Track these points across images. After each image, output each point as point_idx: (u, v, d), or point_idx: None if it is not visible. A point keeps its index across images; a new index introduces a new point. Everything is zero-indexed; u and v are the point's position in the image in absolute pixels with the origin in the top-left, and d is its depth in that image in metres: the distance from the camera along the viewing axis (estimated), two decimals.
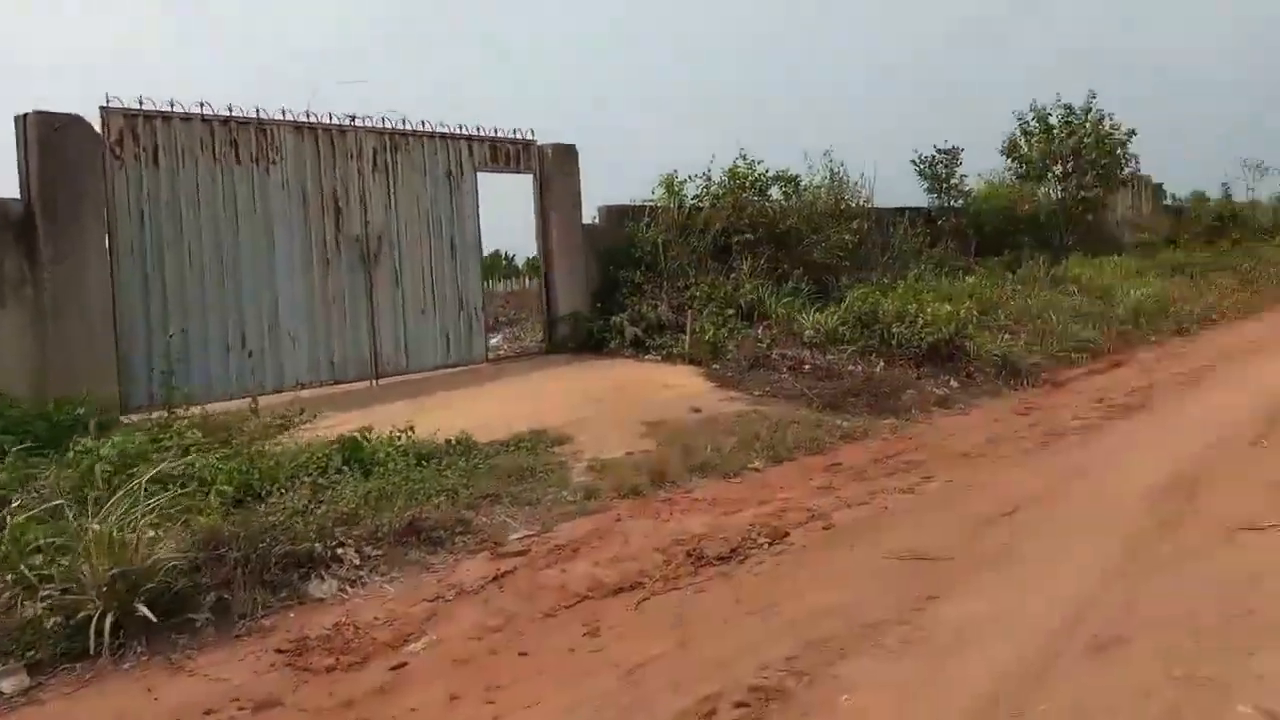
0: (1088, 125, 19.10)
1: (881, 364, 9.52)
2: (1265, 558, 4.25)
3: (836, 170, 14.28)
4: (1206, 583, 3.99)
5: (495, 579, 4.56)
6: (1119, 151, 19.25)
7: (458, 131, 10.48)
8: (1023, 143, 19.61)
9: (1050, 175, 19.65)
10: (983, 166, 20.56)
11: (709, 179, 12.55)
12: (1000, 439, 7.36)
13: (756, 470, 6.68)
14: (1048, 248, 18.72)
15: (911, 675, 3.26)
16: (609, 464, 6.51)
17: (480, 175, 10.86)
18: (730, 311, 10.92)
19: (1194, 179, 48.73)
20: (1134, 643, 3.39)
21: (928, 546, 4.72)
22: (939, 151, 17.11)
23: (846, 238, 13.02)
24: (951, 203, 17.25)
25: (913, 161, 17.27)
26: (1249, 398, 8.41)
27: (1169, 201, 29.86)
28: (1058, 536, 4.82)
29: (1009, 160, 19.87)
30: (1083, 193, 19.03)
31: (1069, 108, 19.19)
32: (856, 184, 14.32)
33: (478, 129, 10.71)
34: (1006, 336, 11.18)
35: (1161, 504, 5.25)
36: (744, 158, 12.55)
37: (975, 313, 11.52)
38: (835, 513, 5.50)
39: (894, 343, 9.91)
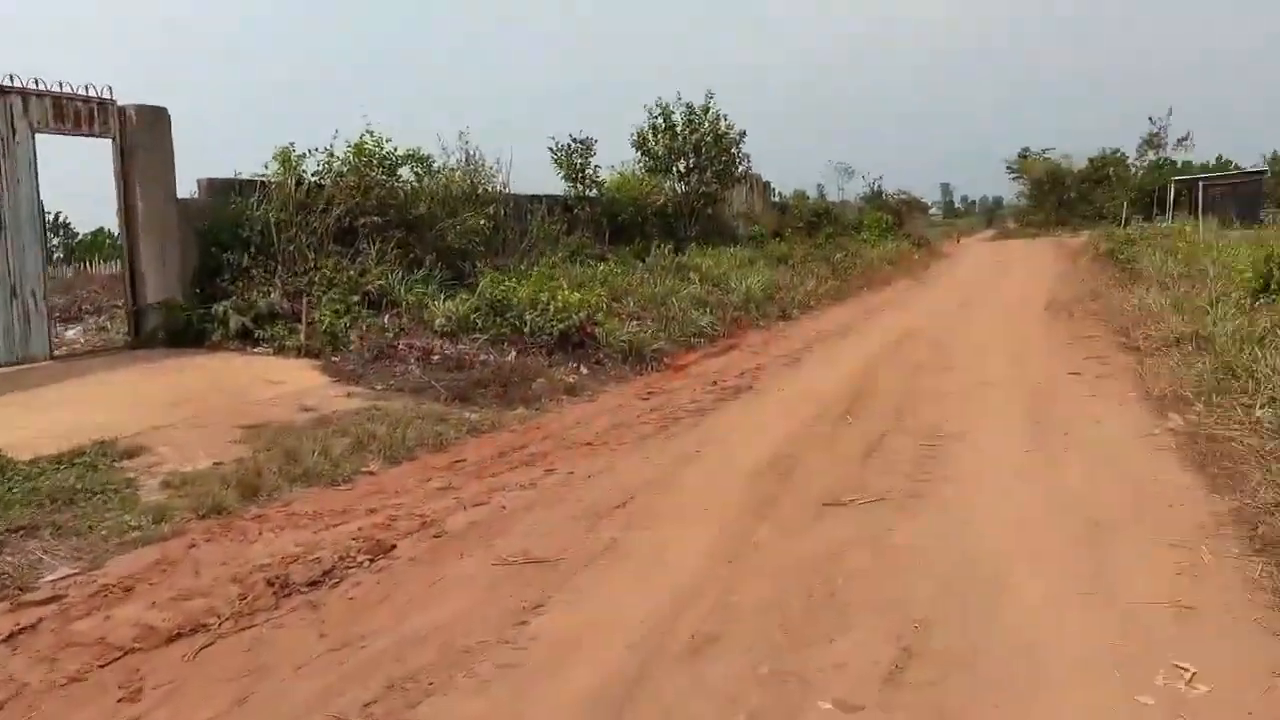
0: (706, 125, 20.51)
1: (514, 352, 9.31)
2: (847, 533, 4.53)
3: (472, 153, 13.94)
4: (797, 565, 4.14)
5: (9, 638, 3.60)
6: (734, 150, 20.93)
7: (6, 84, 8.61)
8: (651, 138, 20.61)
9: (675, 170, 20.85)
10: (616, 158, 21.31)
11: (332, 154, 11.57)
12: (623, 425, 7.42)
13: (371, 474, 6.13)
14: (674, 238, 19.86)
15: (500, 708, 2.95)
16: (191, 478, 5.62)
17: (48, 138, 9.08)
18: (355, 299, 10.13)
19: (797, 179, 55.22)
20: (727, 639, 3.36)
21: (541, 548, 4.49)
22: (574, 141, 17.41)
23: (482, 223, 12.72)
24: (587, 192, 17.62)
25: (550, 149, 17.42)
26: (839, 375, 9.30)
27: (776, 198, 33.29)
28: (666, 526, 4.82)
29: (639, 154, 20.80)
30: (704, 187, 20.44)
31: (690, 107, 20.50)
32: (492, 169, 14.08)
33: (36, 82, 8.90)
34: (634, 323, 11.52)
35: (761, 484, 5.49)
36: (371, 133, 11.72)
37: (606, 300, 11.77)
38: (450, 517, 5.12)
39: (527, 330, 9.75)
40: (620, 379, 9.51)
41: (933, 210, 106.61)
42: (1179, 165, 53.75)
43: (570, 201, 17.26)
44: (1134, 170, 56.00)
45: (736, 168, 21.43)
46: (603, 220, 17.69)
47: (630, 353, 10.12)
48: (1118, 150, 57.65)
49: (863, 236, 32.53)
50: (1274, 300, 9.48)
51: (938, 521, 4.68)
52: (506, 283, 10.57)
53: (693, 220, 20.61)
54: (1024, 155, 62.46)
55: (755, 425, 7.23)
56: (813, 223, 31.76)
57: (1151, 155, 55.89)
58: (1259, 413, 5.59)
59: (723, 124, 20.68)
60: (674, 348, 11.13)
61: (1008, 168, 63.65)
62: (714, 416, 7.67)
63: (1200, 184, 38.94)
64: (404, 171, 12.41)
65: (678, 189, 20.76)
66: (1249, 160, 57.31)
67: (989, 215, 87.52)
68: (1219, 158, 60.63)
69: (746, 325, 13.69)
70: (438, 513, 5.18)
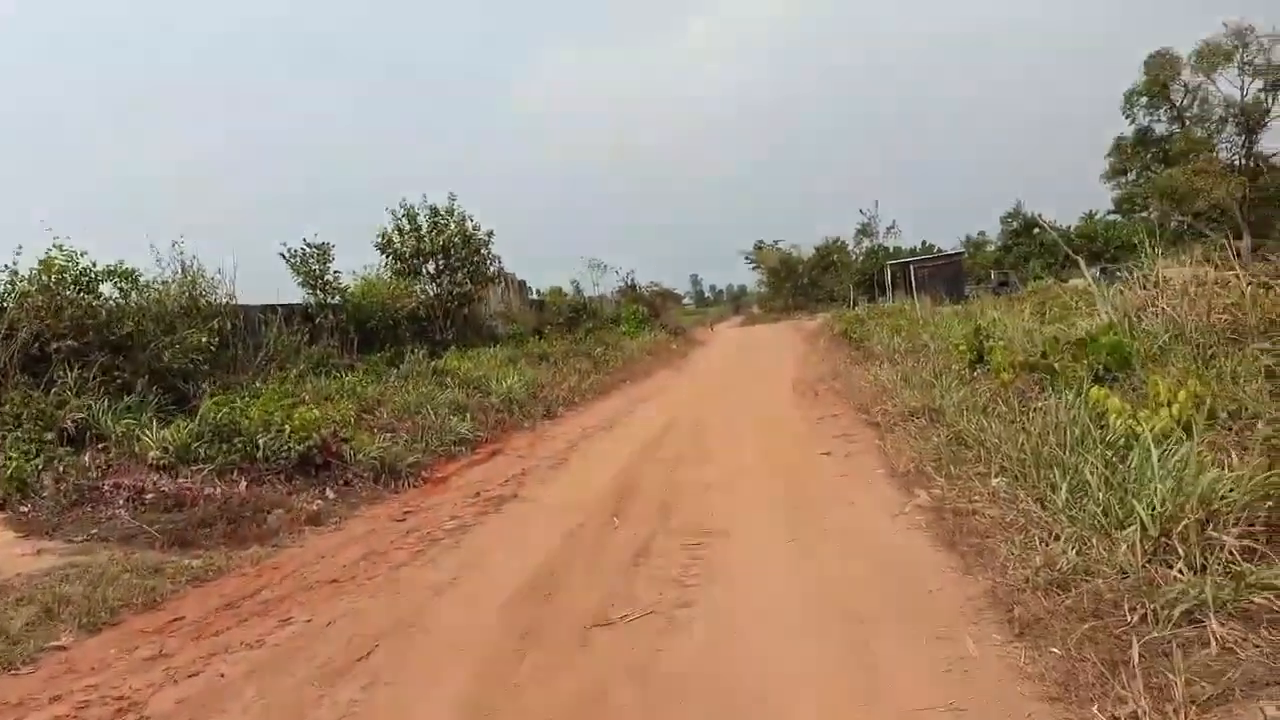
0: (453, 225, 20.23)
1: (245, 482, 8.30)
2: (615, 658, 4.17)
3: (189, 264, 12.75)
4: (560, 709, 3.70)
5: None
6: (484, 250, 20.75)
7: None
8: (396, 239, 20.01)
9: (425, 271, 20.33)
10: (358, 263, 20.41)
11: (15, 274, 10.10)
12: (374, 555, 6.72)
13: (61, 649, 5.09)
14: (430, 342, 19.26)
15: None
16: None
17: None
18: (49, 436, 8.73)
19: (554, 277, 56.22)
20: None
21: None
22: (309, 245, 16.39)
23: (204, 340, 11.51)
24: (329, 299, 16.60)
25: (282, 255, 16.28)
26: (605, 474, 9.04)
27: (534, 296, 33.53)
28: (414, 678, 4.24)
29: (384, 256, 20.09)
30: (456, 288, 20.01)
31: (434, 209, 20.17)
32: (214, 279, 12.92)
33: None
34: (389, 435, 10.78)
35: (523, 610, 5.03)
36: (60, 248, 10.35)
37: (354, 413, 10.97)
38: (156, 695, 4.28)
39: (260, 455, 8.77)
40: (374, 500, 8.74)
41: (685, 300, 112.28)
42: (891, 250, 60.02)
43: (311, 310, 16.18)
44: (854, 256, 61.88)
45: (488, 267, 21.21)
46: (350, 328, 16.74)
47: (383, 469, 9.37)
48: (838, 239, 63.69)
49: (621, 329, 33.33)
50: (987, 369, 10.37)
51: (707, 635, 4.40)
52: (235, 403, 9.52)
53: (448, 322, 20.06)
54: (759, 247, 67.42)
55: (519, 539, 6.76)
56: (572, 318, 32.26)
57: (867, 242, 62.11)
58: (994, 482, 5.85)
59: (469, 224, 20.51)
60: (434, 459, 10.48)
61: (746, 258, 68.38)
62: (476, 533, 7.14)
63: (911, 267, 43.54)
64: (106, 288, 11.08)
65: (429, 291, 20.21)
66: (948, 243, 65.33)
67: (736, 302, 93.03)
68: (923, 242, 68.38)
69: (511, 427, 13.26)
70: (140, 691, 4.33)
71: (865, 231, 61.59)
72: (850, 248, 62.82)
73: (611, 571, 5.59)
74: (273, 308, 15.11)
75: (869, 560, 5.22)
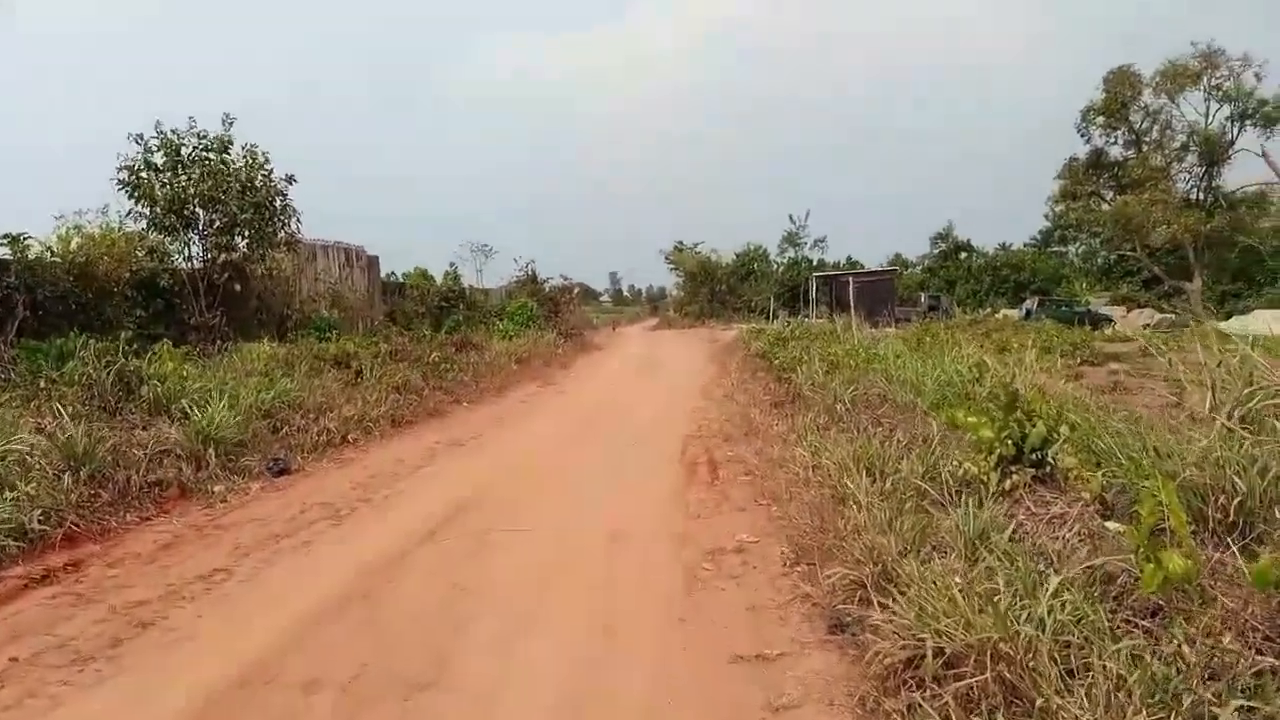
0: (238, 164, 14.19)
1: None
2: None
3: None
4: None
5: None
6: (277, 203, 14.66)
7: None
8: (149, 177, 13.83)
9: (195, 227, 14.29)
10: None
11: None
12: None
13: None
14: (182, 327, 13.38)
15: None
16: None
17: None
18: None
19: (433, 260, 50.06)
20: None
21: None
22: None
23: None
24: None
25: None
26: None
27: (395, 278, 27.83)
28: None
29: (135, 201, 13.88)
30: (223, 254, 13.96)
31: (203, 137, 14.03)
32: None
33: None
34: None
35: None
36: None
37: None
38: None
39: None
40: None
41: (604, 298, 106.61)
42: (814, 263, 55.72)
43: None
44: (775, 266, 57.34)
45: (280, 228, 15.04)
46: (17, 300, 10.74)
47: None
48: (760, 246, 59.06)
49: (501, 326, 27.70)
50: (1039, 476, 5.22)
51: None
52: None
53: (214, 300, 14.07)
54: (679, 248, 62.35)
55: None
56: (443, 309, 26.73)
57: (791, 252, 57.67)
58: None
59: (256, 163, 14.42)
60: None
61: (665, 259, 63.29)
62: None
63: (850, 281, 38.87)
64: None
65: (193, 253, 14.23)
66: (869, 261, 61.47)
67: (654, 304, 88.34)
68: (848, 257, 64.37)
69: (178, 496, 7.58)
70: None
71: (791, 240, 57.00)
72: (773, 256, 58.27)
73: None
74: None
75: None
